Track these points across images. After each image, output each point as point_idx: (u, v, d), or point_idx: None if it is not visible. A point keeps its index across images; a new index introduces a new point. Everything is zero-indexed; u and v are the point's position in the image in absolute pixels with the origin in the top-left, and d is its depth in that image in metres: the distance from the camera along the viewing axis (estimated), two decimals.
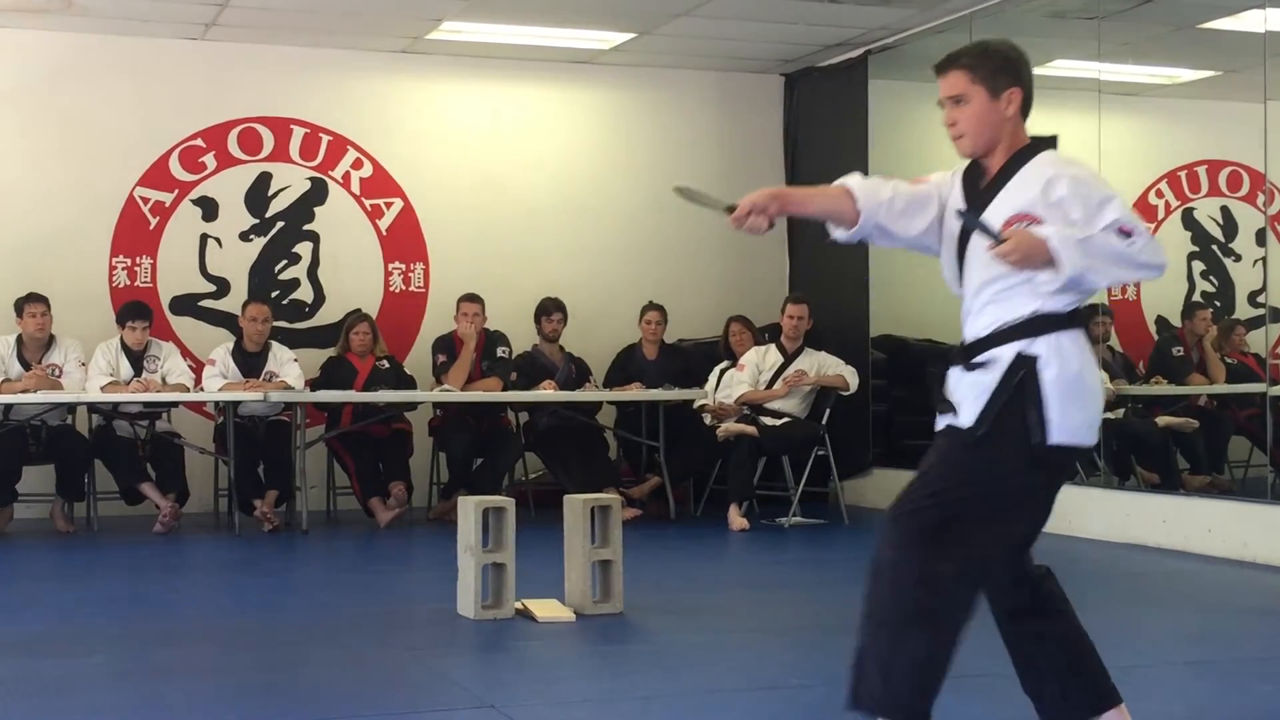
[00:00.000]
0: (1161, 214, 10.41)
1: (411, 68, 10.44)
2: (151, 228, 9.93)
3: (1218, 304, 10.17)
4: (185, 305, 9.99)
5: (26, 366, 8.83)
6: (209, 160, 10.05)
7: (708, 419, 9.44)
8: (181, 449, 9.10)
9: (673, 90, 10.97)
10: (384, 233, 10.39)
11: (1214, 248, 10.39)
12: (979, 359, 3.34)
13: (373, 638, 5.45)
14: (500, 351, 9.53)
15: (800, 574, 7.50)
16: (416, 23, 9.67)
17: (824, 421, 9.18)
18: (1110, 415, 8.96)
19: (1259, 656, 5.21)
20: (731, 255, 10.88)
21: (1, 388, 8.65)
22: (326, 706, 4.38)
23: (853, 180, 3.45)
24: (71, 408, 8.95)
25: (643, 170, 10.85)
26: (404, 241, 10.41)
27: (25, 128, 9.73)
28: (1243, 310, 9.99)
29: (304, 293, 10.24)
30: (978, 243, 3.36)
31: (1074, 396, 3.27)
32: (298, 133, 10.23)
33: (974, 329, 3.39)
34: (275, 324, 9.58)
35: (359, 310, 9.75)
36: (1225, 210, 10.36)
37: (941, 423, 3.42)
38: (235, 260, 10.08)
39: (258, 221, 10.16)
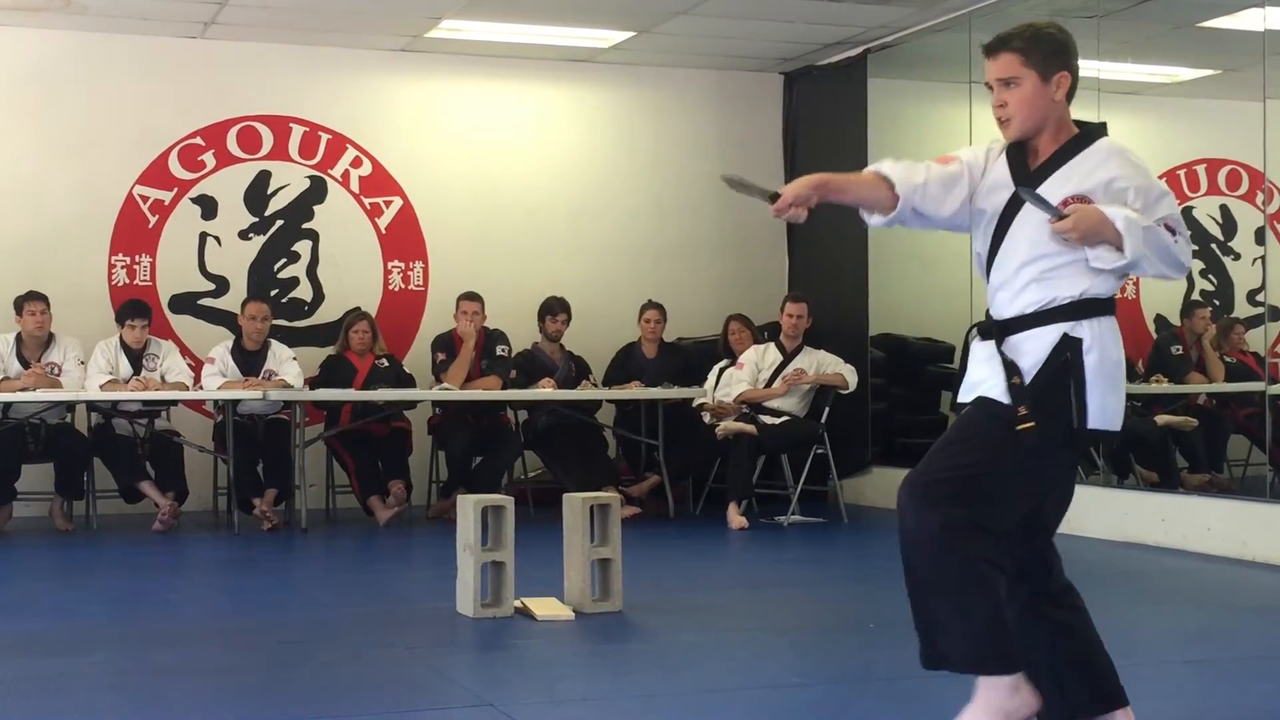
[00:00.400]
0: None
1: (411, 66, 10.44)
2: (151, 226, 9.93)
3: (1217, 303, 10.17)
4: (184, 304, 9.99)
5: (26, 365, 8.83)
6: (208, 159, 10.05)
7: (707, 418, 9.44)
8: (181, 447, 9.10)
9: (672, 89, 10.97)
10: (383, 231, 10.39)
11: (1213, 246, 10.39)
12: (1019, 335, 3.35)
13: (372, 636, 5.44)
14: (499, 350, 9.53)
15: (799, 573, 7.50)
16: (416, 21, 9.67)
17: (823, 420, 9.18)
18: None
19: (1258, 655, 5.21)
20: (731, 254, 10.88)
21: (1, 386, 8.65)
22: (325, 705, 4.38)
23: (887, 166, 3.47)
24: (71, 406, 8.95)
25: (642, 169, 10.85)
26: (403, 240, 10.41)
27: (24, 126, 9.73)
28: (1242, 309, 9.99)
29: (303, 291, 10.24)
30: (1025, 219, 3.38)
31: (1112, 383, 3.35)
32: (297, 131, 10.23)
33: (1014, 306, 3.39)
34: (274, 322, 9.58)
35: (358, 309, 9.75)
36: (1224, 209, 10.36)
37: (970, 394, 3.42)
38: (234, 259, 10.08)
39: (257, 220, 10.16)
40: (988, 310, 3.49)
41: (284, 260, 10.21)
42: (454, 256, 10.41)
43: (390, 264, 10.39)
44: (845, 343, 9.76)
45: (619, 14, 9.55)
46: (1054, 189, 3.36)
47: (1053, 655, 3.43)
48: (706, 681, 4.68)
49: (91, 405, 8.98)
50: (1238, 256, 10.26)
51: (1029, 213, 3.37)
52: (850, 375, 9.31)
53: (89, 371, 8.88)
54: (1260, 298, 9.32)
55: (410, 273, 10.42)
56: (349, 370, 9.32)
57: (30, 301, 8.85)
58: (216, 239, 10.08)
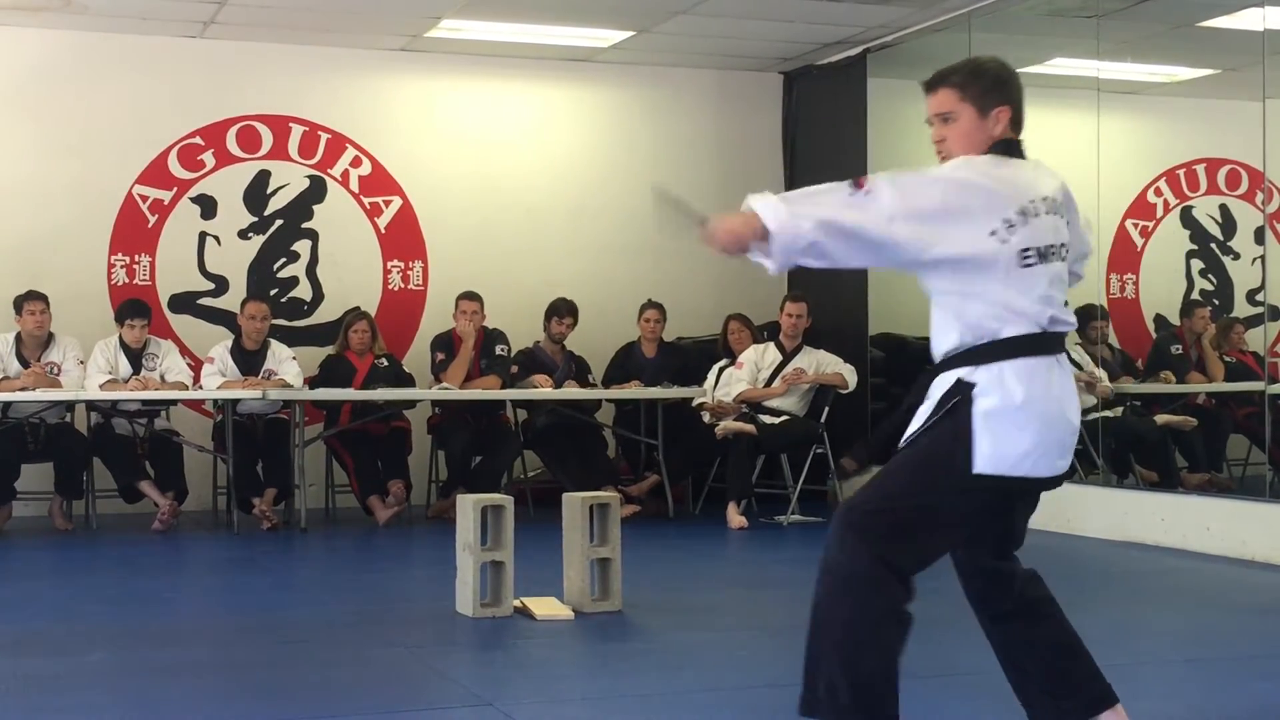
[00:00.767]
0: (1160, 212, 10.41)
1: (410, 66, 10.44)
2: (150, 226, 9.93)
3: (1216, 302, 10.17)
4: (184, 303, 9.99)
5: (25, 364, 8.83)
6: (208, 158, 10.05)
7: (706, 417, 9.44)
8: (180, 447, 9.10)
9: (671, 88, 10.97)
10: (383, 231, 10.39)
11: (1213, 246, 10.39)
12: (938, 377, 3.29)
13: (371, 636, 5.44)
14: (499, 349, 9.53)
15: (799, 572, 7.44)
16: (415, 20, 9.66)
17: (823, 420, 9.19)
18: (1109, 414, 8.98)
19: (1257, 654, 5.21)
20: None
21: (0, 385, 8.65)
22: (325, 704, 4.37)
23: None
24: (70, 406, 8.94)
25: (642, 168, 10.84)
26: (403, 239, 10.41)
27: (24, 126, 9.73)
28: (1241, 309, 9.99)
29: (302, 291, 10.24)
30: None
31: (1015, 427, 3.17)
32: (296, 131, 10.23)
33: (937, 350, 3.35)
34: (274, 322, 9.57)
35: (358, 308, 9.75)
36: (1224, 208, 10.36)
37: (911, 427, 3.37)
38: (234, 258, 10.08)
39: (256, 219, 10.16)
40: None
41: (283, 260, 10.21)
42: (453, 256, 10.41)
43: (390, 263, 10.39)
44: (845, 342, 9.77)
45: (618, 13, 9.55)
46: None
47: (1036, 665, 3.40)
48: (706, 681, 4.69)
49: (91, 405, 8.98)
50: (1237, 256, 10.26)
51: (687, 220, 3.22)
52: (850, 375, 9.31)
53: (88, 371, 8.87)
54: (1260, 297, 9.32)
55: (410, 272, 10.42)
56: (348, 370, 9.32)
57: (30, 301, 8.85)
58: (216, 238, 10.08)
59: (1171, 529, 7.82)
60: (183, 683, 4.70)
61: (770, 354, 9.44)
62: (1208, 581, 6.96)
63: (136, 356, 8.98)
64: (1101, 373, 9.02)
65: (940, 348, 3.32)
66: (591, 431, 9.74)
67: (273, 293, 10.05)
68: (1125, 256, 10.26)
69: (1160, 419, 9.27)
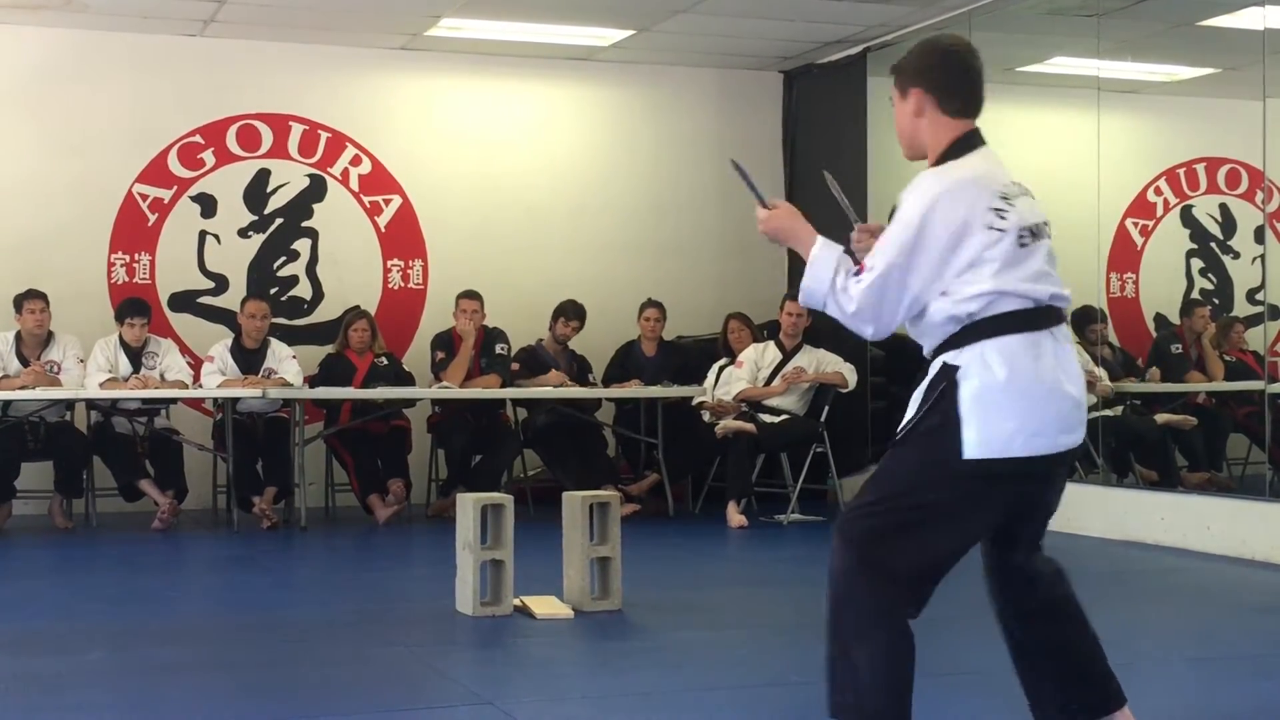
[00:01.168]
0: (1160, 211, 10.41)
1: (410, 64, 10.44)
2: (150, 224, 9.93)
3: (1216, 301, 10.17)
4: (184, 302, 9.99)
5: (25, 363, 8.83)
6: (208, 157, 10.05)
7: (706, 416, 9.44)
8: (180, 446, 9.10)
9: (672, 87, 10.96)
10: (383, 229, 10.39)
11: (1213, 245, 10.39)
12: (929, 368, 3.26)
13: (371, 635, 5.44)
14: (499, 348, 9.52)
15: (799, 571, 7.49)
16: (415, 19, 9.66)
17: (823, 418, 9.19)
18: (1109, 413, 8.98)
19: (1257, 653, 5.22)
20: (731, 252, 10.88)
21: (0, 384, 8.65)
22: (325, 703, 4.38)
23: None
24: (70, 404, 8.94)
25: (642, 167, 10.85)
26: (403, 238, 10.41)
27: (24, 124, 9.73)
28: (1241, 308, 9.99)
29: (302, 289, 10.24)
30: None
31: (999, 407, 3.10)
32: (296, 129, 10.23)
33: (926, 346, 3.32)
34: (274, 321, 9.57)
35: (357, 307, 9.75)
36: (1224, 208, 10.36)
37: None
38: (234, 257, 10.08)
39: (256, 218, 10.16)
40: None
41: (283, 258, 10.21)
42: (453, 255, 10.41)
43: (390, 262, 10.39)
44: (845, 341, 9.72)
45: (618, 12, 9.55)
46: None
47: (1052, 665, 3.37)
48: (706, 679, 4.69)
49: (91, 403, 8.98)
50: (1237, 255, 10.26)
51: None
52: (850, 374, 9.31)
53: (88, 370, 8.87)
54: (1260, 296, 9.32)
55: (410, 271, 10.41)
56: (348, 368, 9.31)
57: (29, 299, 8.85)
58: (216, 237, 10.08)
59: (1171, 528, 7.82)
60: (183, 681, 4.70)
61: (770, 353, 9.44)
62: (1208, 581, 6.97)
63: (136, 355, 8.98)
64: (1102, 371, 9.02)
65: (933, 341, 3.25)
66: (591, 430, 9.74)
67: (273, 291, 10.05)
68: (1125, 256, 10.26)
69: (1160, 418, 9.28)
